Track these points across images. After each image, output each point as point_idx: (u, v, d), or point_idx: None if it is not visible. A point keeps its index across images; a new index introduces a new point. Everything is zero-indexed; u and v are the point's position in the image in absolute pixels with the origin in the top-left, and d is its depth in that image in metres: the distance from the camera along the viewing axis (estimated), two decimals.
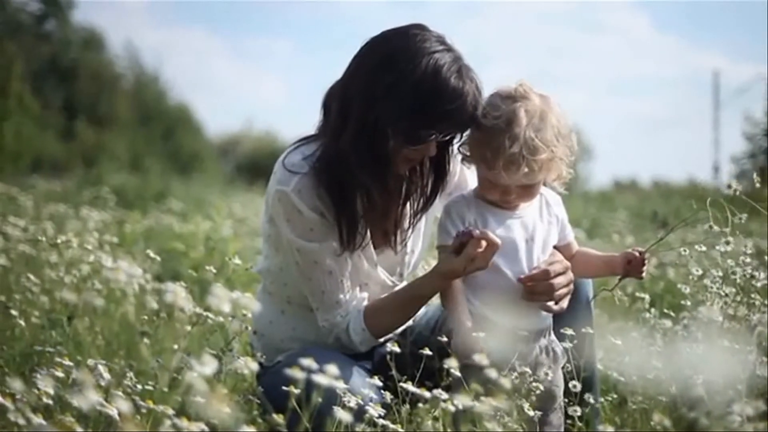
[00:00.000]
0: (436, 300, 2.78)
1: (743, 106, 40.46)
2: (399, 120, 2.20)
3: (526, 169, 2.23)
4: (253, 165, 29.02)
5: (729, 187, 2.29)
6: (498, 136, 2.22)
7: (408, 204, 2.45)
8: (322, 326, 2.40)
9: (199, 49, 69.66)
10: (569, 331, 2.27)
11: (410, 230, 2.48)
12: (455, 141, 2.34)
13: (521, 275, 2.30)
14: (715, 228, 2.32)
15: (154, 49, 75.80)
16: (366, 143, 2.23)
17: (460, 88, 2.21)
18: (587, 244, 4.05)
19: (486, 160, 2.26)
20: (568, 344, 2.27)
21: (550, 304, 2.30)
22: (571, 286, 2.33)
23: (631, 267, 2.40)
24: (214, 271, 2.79)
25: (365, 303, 2.42)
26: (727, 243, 2.36)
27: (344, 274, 2.38)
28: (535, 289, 2.28)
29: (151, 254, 3.22)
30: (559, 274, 2.28)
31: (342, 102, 2.28)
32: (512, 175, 2.23)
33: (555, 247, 2.42)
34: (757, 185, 2.32)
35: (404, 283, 2.64)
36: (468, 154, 2.34)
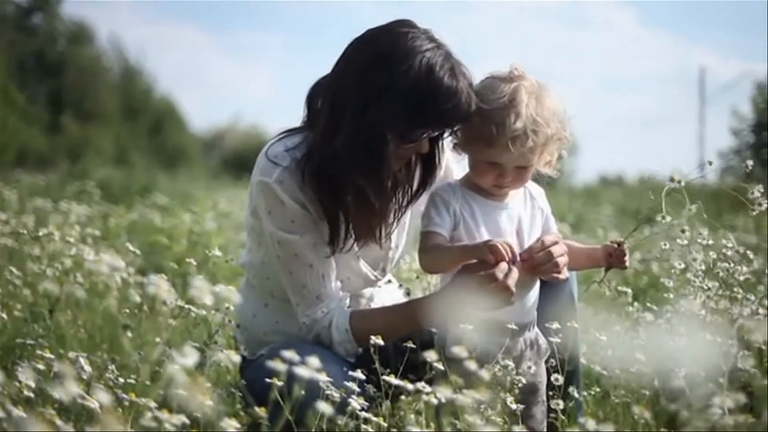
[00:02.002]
0: (419, 293, 2.78)
1: (729, 102, 40.65)
2: (395, 122, 2.20)
3: (531, 143, 2.23)
4: (240, 159, 28.97)
5: (672, 180, 2.31)
6: (501, 113, 2.23)
7: (394, 198, 2.43)
8: (302, 323, 2.37)
9: (189, 45, 69.65)
10: (554, 325, 2.27)
11: (395, 224, 2.47)
12: (445, 135, 2.34)
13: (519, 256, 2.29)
14: (667, 219, 2.33)
15: (144, 44, 75.77)
16: (362, 146, 2.21)
17: (454, 86, 2.20)
18: (572, 238, 4.04)
19: (488, 137, 2.25)
20: (554, 339, 2.27)
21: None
22: (566, 258, 2.32)
23: (613, 259, 2.41)
24: (194, 263, 2.78)
25: (348, 301, 2.41)
26: (683, 231, 2.38)
27: (325, 269, 2.37)
28: (534, 261, 2.26)
29: (131, 247, 3.21)
30: (554, 243, 2.28)
31: (333, 103, 2.27)
32: (519, 148, 2.23)
33: None
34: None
35: (387, 278, 2.64)
36: (460, 138, 2.34)
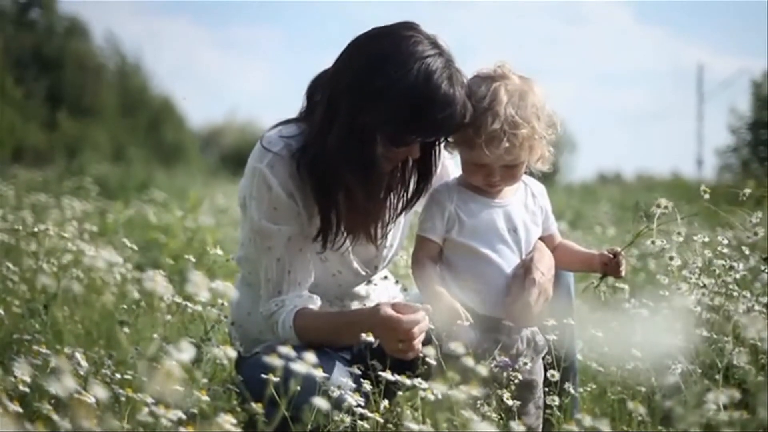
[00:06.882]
0: (416, 290, 2.78)
1: (727, 99, 40.68)
2: (387, 125, 2.19)
3: (507, 144, 2.23)
4: (237, 155, 28.89)
5: (658, 206, 2.33)
6: (479, 115, 2.24)
7: (389, 199, 2.42)
8: (261, 313, 2.38)
9: (183, 40, 69.54)
10: (550, 322, 2.28)
11: (390, 225, 2.46)
12: (441, 142, 2.33)
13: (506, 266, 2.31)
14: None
15: (139, 39, 75.59)
16: (352, 145, 2.20)
17: (450, 95, 2.18)
18: (570, 235, 4.05)
19: (468, 139, 2.26)
20: (551, 336, 2.28)
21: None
22: (549, 292, 2.34)
23: (609, 268, 2.41)
24: (193, 259, 2.78)
25: (307, 303, 2.37)
26: (679, 234, 2.39)
27: (293, 265, 2.35)
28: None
29: (128, 243, 3.21)
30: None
31: (329, 100, 2.26)
32: (494, 150, 2.24)
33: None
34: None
35: (383, 274, 2.64)
36: (450, 138, 2.34)
